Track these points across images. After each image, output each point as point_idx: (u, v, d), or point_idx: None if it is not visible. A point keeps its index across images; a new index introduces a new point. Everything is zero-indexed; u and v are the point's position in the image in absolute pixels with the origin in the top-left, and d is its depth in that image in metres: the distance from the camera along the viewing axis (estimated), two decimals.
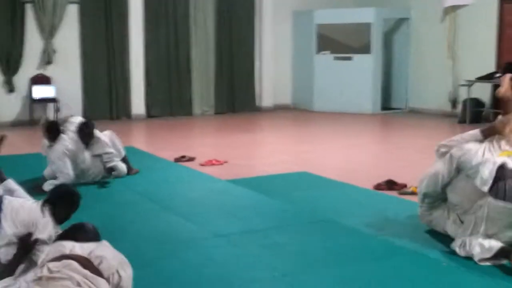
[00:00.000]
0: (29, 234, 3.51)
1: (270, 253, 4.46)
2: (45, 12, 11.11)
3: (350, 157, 8.36)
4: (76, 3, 11.46)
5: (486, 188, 4.14)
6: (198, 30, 12.60)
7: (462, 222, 4.40)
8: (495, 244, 4.08)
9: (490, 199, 4.12)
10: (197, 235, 4.90)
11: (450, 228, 4.54)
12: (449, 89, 12.17)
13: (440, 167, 4.54)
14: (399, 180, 6.43)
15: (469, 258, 4.17)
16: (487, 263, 4.09)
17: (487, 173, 4.15)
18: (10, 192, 4.07)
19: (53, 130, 6.32)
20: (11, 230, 3.53)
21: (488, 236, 4.15)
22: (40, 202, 3.74)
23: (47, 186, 5.99)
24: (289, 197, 6.05)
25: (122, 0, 11.75)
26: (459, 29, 12.01)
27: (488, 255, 4.08)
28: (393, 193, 6.17)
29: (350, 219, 5.25)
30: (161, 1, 12.16)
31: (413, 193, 5.84)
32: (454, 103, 12.14)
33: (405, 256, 4.37)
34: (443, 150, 4.64)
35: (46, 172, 6.44)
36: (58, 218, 3.72)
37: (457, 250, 4.27)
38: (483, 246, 4.11)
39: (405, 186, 6.34)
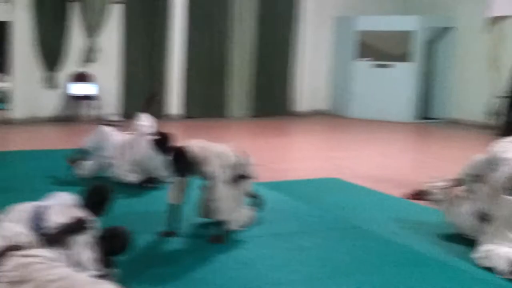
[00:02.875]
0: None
1: (296, 257, 4.48)
2: (90, 11, 11.32)
3: (383, 165, 8.30)
4: (121, 3, 11.65)
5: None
6: (239, 33, 12.67)
7: (484, 219, 4.38)
8: None
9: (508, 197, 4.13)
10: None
11: (469, 223, 4.55)
12: (490, 101, 11.96)
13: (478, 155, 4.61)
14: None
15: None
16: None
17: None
18: None
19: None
20: None
21: None
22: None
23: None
24: (319, 202, 6.07)
25: (166, 1, 11.90)
26: (504, 40, 11.80)
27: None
28: (424, 203, 6.10)
29: (379, 227, 5.24)
30: (204, 3, 12.26)
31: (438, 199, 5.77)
32: (494, 115, 11.92)
33: (432, 265, 4.34)
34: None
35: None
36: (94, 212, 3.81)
37: (480, 260, 4.22)
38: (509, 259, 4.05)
39: (433, 193, 6.25)
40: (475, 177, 4.65)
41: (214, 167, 4.64)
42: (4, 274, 2.86)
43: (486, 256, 4.18)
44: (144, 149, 6.24)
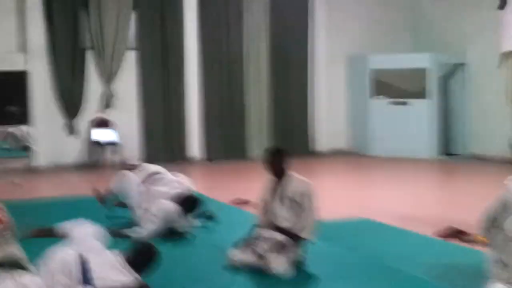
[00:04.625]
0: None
1: None
2: (105, 58, 11.43)
3: (409, 203, 8.18)
4: (134, 49, 11.76)
5: None
6: (253, 74, 12.72)
7: (505, 265, 4.21)
8: None
9: None
10: (259, 280, 4.84)
11: (493, 270, 4.35)
12: (510, 135, 11.85)
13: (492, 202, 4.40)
14: (460, 227, 6.22)
15: None
16: None
17: None
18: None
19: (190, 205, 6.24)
20: None
21: None
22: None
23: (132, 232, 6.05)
24: (349, 244, 5.95)
25: (178, 45, 12.00)
26: None
27: None
28: (456, 241, 5.96)
29: (412, 267, 5.11)
30: (216, 46, 12.36)
31: (476, 241, 5.62)
32: None
33: None
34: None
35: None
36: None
37: None
38: None
39: (468, 234, 6.12)
40: (492, 223, 4.45)
41: None
42: None
43: None
44: (168, 204, 6.13)
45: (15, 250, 4.35)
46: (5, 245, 4.32)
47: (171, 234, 6.14)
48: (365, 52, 13.32)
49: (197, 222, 6.47)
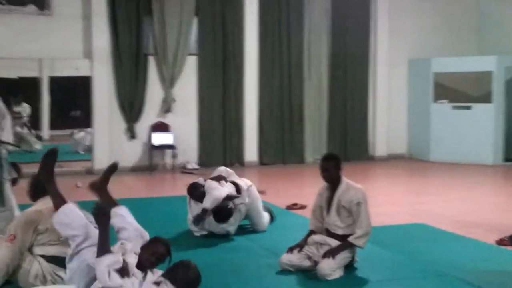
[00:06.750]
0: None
1: None
2: (166, 63, 11.63)
3: (469, 209, 7.96)
4: (195, 54, 11.92)
5: None
6: (312, 78, 12.67)
7: None
8: None
9: None
10: (310, 284, 4.84)
11: None
12: None
13: None
14: None
15: None
16: None
17: None
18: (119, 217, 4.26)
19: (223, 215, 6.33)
20: None
21: None
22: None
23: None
24: (404, 249, 5.86)
25: (238, 51, 12.08)
26: None
27: None
28: None
29: (469, 275, 4.99)
30: (275, 49, 12.37)
31: None
32: None
33: None
34: None
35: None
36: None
37: None
38: None
39: None
40: None
41: None
42: None
43: None
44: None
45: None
46: (62, 246, 4.52)
47: (223, 237, 6.23)
48: (428, 55, 13.06)
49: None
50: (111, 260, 3.69)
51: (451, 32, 13.43)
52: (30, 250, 4.51)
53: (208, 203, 6.15)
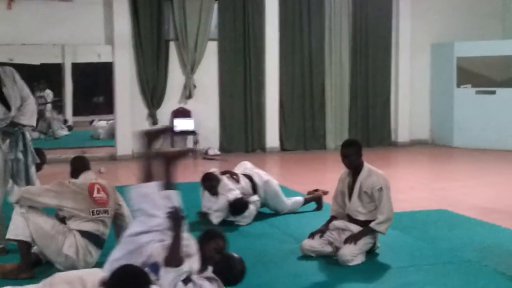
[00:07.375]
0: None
1: None
2: (187, 49, 11.64)
3: (492, 196, 7.87)
4: (215, 40, 11.91)
5: None
6: (333, 63, 12.60)
7: None
8: None
9: None
10: (332, 269, 4.83)
11: None
12: None
13: None
14: None
15: None
16: None
17: None
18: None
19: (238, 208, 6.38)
20: None
21: None
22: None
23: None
24: (427, 235, 5.83)
25: (259, 36, 12.04)
26: None
27: None
28: None
29: (492, 261, 4.95)
30: (297, 35, 12.31)
31: None
32: None
33: None
34: None
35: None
36: None
37: None
38: None
39: None
40: None
41: None
42: None
43: None
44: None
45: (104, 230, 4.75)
46: (97, 224, 4.65)
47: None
48: (451, 40, 12.89)
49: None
50: (180, 272, 3.59)
51: (475, 16, 13.23)
52: (65, 223, 4.69)
53: (220, 205, 6.31)
